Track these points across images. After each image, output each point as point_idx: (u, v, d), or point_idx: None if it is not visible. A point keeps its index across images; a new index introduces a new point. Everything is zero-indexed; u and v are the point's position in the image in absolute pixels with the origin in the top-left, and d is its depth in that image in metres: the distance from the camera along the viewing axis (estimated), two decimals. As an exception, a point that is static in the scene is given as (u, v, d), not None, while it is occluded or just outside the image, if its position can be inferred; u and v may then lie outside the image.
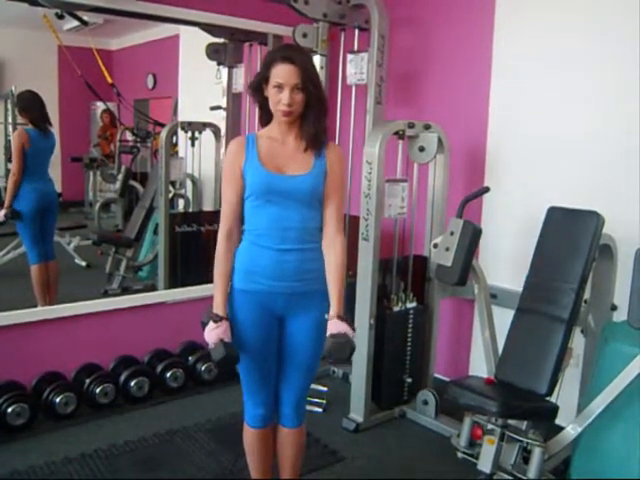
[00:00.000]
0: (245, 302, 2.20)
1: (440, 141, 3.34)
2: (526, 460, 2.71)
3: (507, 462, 2.74)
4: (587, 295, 2.94)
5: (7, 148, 6.26)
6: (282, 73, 2.06)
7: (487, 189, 3.27)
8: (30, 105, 4.16)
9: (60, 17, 4.08)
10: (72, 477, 2.85)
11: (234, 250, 2.21)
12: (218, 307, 2.17)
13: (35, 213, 4.14)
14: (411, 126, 3.29)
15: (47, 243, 4.31)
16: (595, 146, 3.15)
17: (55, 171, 4.32)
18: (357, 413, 3.40)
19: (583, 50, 3.17)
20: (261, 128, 2.27)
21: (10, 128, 6.37)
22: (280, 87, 2.07)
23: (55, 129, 4.30)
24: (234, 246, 2.21)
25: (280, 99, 2.07)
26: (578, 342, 3.00)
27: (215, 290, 2.20)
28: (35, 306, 4.02)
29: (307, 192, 2.15)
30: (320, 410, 3.58)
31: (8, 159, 5.87)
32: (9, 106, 6.37)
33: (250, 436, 2.40)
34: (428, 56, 3.96)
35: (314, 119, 2.15)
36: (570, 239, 2.87)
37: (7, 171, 6.26)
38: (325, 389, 3.69)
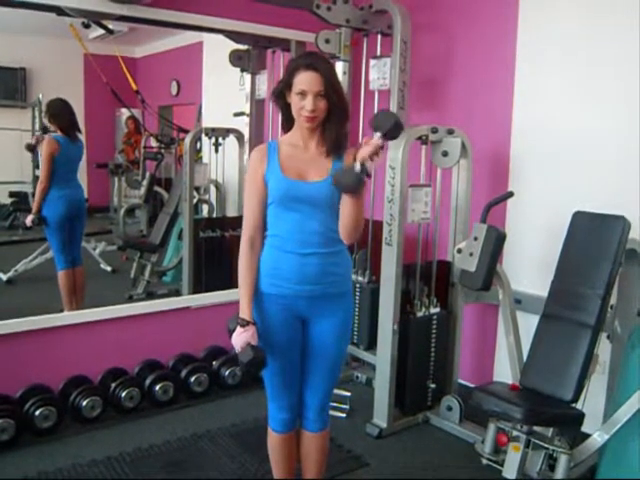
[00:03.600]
0: (269, 305, 2.22)
1: (463, 146, 3.33)
2: (552, 468, 2.70)
3: (532, 469, 2.72)
4: (613, 300, 2.92)
5: (34, 155, 6.35)
6: (305, 80, 2.08)
7: (511, 194, 3.25)
8: (60, 113, 4.22)
9: (86, 26, 4.14)
10: (98, 479, 2.89)
11: (258, 256, 2.22)
12: (244, 312, 2.19)
13: (64, 219, 4.20)
14: (434, 131, 3.29)
15: (75, 249, 4.37)
16: (621, 150, 3.12)
17: (81, 177, 4.38)
18: (380, 419, 3.39)
19: (610, 52, 3.14)
20: (284, 134, 2.29)
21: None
22: (303, 94, 2.09)
23: (82, 136, 4.35)
24: (257, 252, 2.22)
25: (303, 106, 2.10)
26: (604, 348, 2.97)
27: (240, 296, 2.21)
28: (62, 311, 4.09)
29: (327, 198, 2.16)
30: (343, 415, 3.58)
31: (36, 166, 5.97)
32: (36, 114, 6.48)
33: (274, 440, 2.41)
34: (451, 61, 3.95)
35: (336, 125, 2.17)
36: (596, 244, 2.84)
37: (35, 177, 6.37)
38: (348, 394, 3.69)
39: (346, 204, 2.12)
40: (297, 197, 2.15)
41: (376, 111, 1.98)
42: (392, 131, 2.00)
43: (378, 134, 1.99)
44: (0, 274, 5.16)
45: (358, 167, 1.98)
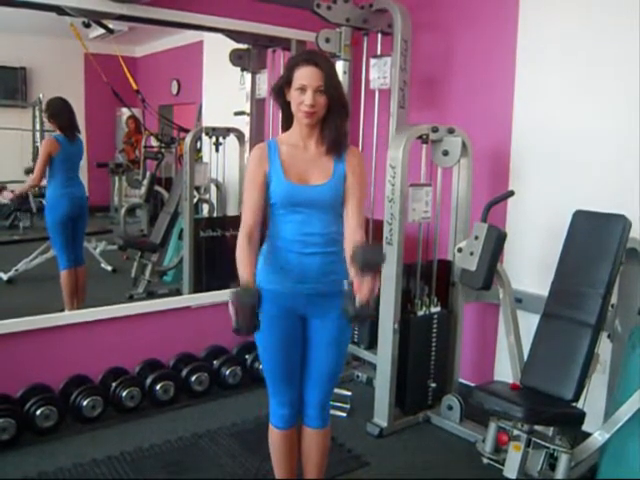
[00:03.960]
0: (268, 302, 2.20)
1: (464, 145, 3.33)
2: (552, 467, 2.70)
3: (533, 468, 2.72)
4: (614, 300, 2.91)
5: (35, 154, 6.36)
6: (305, 75, 2.08)
7: (512, 193, 3.25)
8: (60, 112, 4.22)
9: (87, 26, 4.14)
10: (99, 479, 2.88)
11: (255, 250, 2.21)
12: (246, 281, 2.11)
13: (67, 219, 4.20)
14: (435, 130, 3.28)
15: (77, 248, 4.37)
16: (621, 149, 3.12)
17: (82, 177, 4.39)
18: (381, 418, 3.39)
19: (611, 52, 3.14)
20: (283, 132, 2.28)
21: (38, 135, 6.49)
22: (303, 89, 2.08)
23: (81, 135, 4.36)
24: (255, 246, 2.21)
25: (303, 100, 2.09)
26: (605, 347, 2.97)
27: (241, 271, 2.14)
28: (62, 310, 4.09)
29: (329, 200, 2.18)
30: (344, 415, 3.58)
31: (37, 164, 5.95)
32: (37, 113, 6.49)
33: (275, 436, 2.41)
34: (451, 60, 3.95)
35: (335, 123, 2.16)
36: (596, 243, 2.84)
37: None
38: (349, 393, 3.69)
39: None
40: (299, 200, 2.15)
41: (355, 246, 2.01)
42: (377, 268, 2.02)
43: (366, 275, 1.97)
44: (1, 274, 5.17)
45: (360, 303, 1.96)
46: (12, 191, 4.45)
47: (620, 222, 2.78)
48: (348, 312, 2.00)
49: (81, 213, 4.34)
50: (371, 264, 1.98)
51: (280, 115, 2.27)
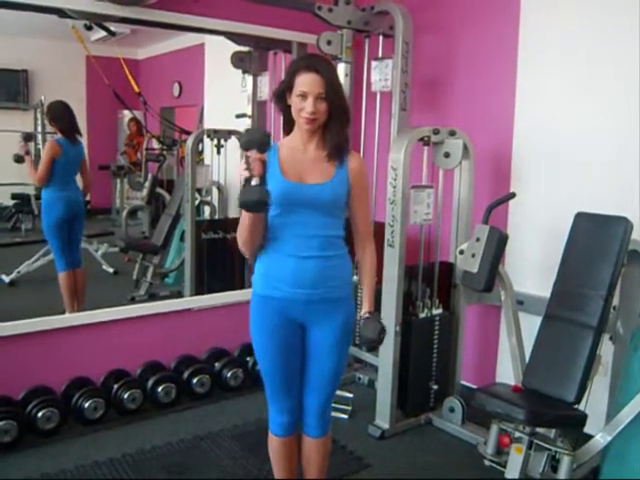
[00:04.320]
0: (266, 308, 2.21)
1: (465, 147, 3.33)
2: (554, 469, 2.69)
3: (535, 470, 2.72)
4: (616, 302, 2.91)
5: (37, 156, 6.37)
6: (306, 82, 2.07)
7: (513, 195, 3.25)
8: (60, 115, 4.23)
9: (88, 28, 4.15)
10: (101, 481, 2.89)
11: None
12: None
13: (63, 221, 4.21)
14: (436, 132, 3.29)
15: (74, 251, 4.37)
16: (623, 151, 3.12)
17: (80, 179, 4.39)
18: (383, 420, 3.39)
19: (612, 52, 3.13)
20: (285, 136, 2.28)
21: (39, 137, 6.50)
22: (304, 96, 2.08)
23: (83, 137, 4.37)
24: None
25: (303, 107, 2.08)
26: (607, 349, 2.96)
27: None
28: (63, 313, 4.09)
29: (327, 201, 2.15)
30: (346, 417, 3.58)
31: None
32: (38, 116, 6.50)
33: (274, 444, 2.40)
34: (453, 62, 3.95)
35: (337, 129, 2.16)
36: (598, 245, 2.84)
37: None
38: (351, 395, 3.69)
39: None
40: (297, 200, 2.13)
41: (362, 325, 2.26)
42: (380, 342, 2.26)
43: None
44: (2, 276, 5.17)
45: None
46: (28, 152, 4.44)
47: (622, 224, 2.78)
48: (362, 341, 2.22)
49: (77, 216, 4.34)
50: (370, 342, 2.22)
51: (282, 118, 2.27)
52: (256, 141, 1.98)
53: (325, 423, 2.39)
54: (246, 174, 1.95)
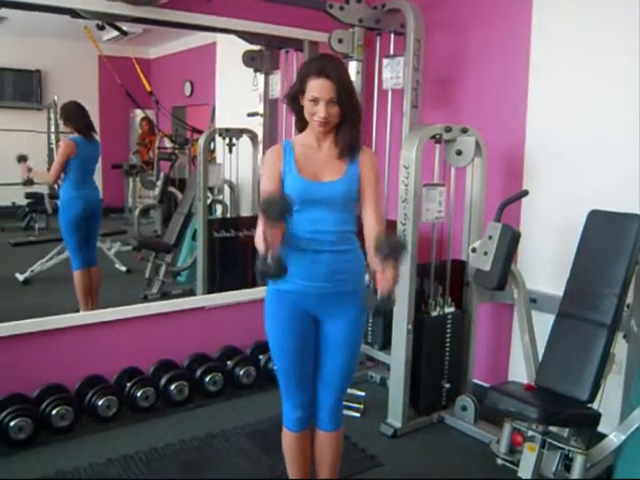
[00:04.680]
0: (280, 302, 2.24)
1: (477, 144, 3.32)
2: (568, 468, 2.68)
3: (548, 470, 2.71)
4: (630, 299, 2.89)
5: (50, 156, 6.41)
6: (317, 87, 2.10)
7: (526, 192, 3.23)
8: (74, 115, 4.26)
9: (101, 28, 4.18)
10: (114, 478, 2.90)
11: None
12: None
13: (80, 220, 4.24)
14: (448, 130, 3.28)
15: (90, 249, 4.41)
16: (637, 148, 3.09)
17: (96, 178, 4.42)
18: (395, 418, 3.39)
19: (627, 49, 3.10)
20: (297, 134, 2.31)
21: (52, 137, 6.54)
22: (316, 101, 2.11)
23: (97, 136, 4.39)
24: None
25: (316, 112, 2.13)
26: (621, 347, 2.94)
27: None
28: (77, 311, 4.12)
29: (341, 197, 2.19)
30: (358, 415, 3.58)
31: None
32: (51, 115, 6.54)
33: (288, 439, 2.42)
34: (464, 59, 3.94)
35: (349, 129, 2.20)
36: (612, 243, 2.82)
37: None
38: (363, 394, 3.68)
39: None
40: (313, 197, 2.17)
41: (378, 235, 2.06)
42: (400, 255, 2.02)
43: (390, 263, 1.97)
44: (17, 274, 5.21)
45: (384, 296, 2.00)
46: (30, 169, 4.50)
47: (635, 221, 2.76)
48: (369, 304, 2.09)
49: (94, 215, 4.37)
50: (395, 251, 2.00)
51: (294, 117, 2.29)
52: (276, 214, 1.94)
53: (338, 417, 2.41)
54: (262, 248, 1.96)
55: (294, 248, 2.20)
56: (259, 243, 2.00)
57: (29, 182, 4.49)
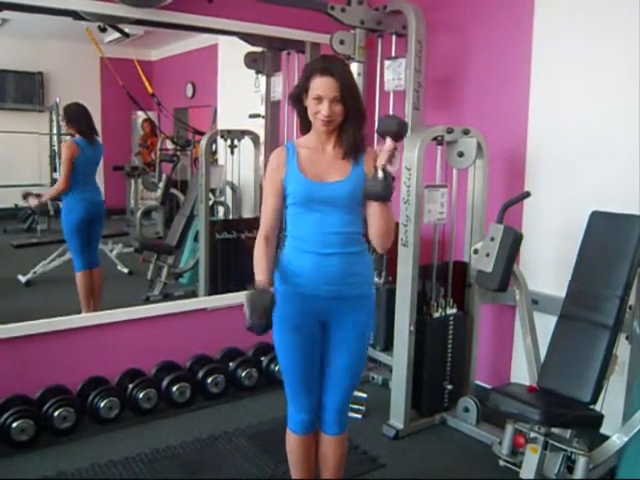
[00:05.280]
0: (288, 305, 2.22)
1: (479, 146, 3.32)
2: (570, 469, 2.67)
3: (551, 471, 2.70)
4: (632, 301, 2.88)
5: (52, 158, 6.43)
6: (321, 86, 2.10)
7: (528, 194, 3.23)
8: (77, 117, 4.26)
9: (102, 30, 4.19)
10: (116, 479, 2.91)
11: (272, 249, 2.23)
12: (261, 281, 2.13)
13: (83, 222, 4.24)
14: (450, 131, 3.28)
15: (92, 251, 4.41)
16: (638, 148, 3.09)
17: (98, 180, 4.42)
18: (397, 420, 3.39)
19: (630, 49, 3.10)
20: (301, 136, 2.31)
21: (55, 138, 6.56)
22: (319, 99, 2.11)
23: (99, 138, 4.39)
24: (272, 246, 2.23)
25: (319, 110, 2.12)
26: (623, 349, 2.94)
27: (257, 273, 2.17)
28: (79, 312, 4.12)
29: (346, 197, 2.18)
30: (360, 416, 3.57)
31: (54, 169, 6.03)
32: (54, 117, 6.56)
33: (293, 442, 2.41)
34: (466, 60, 3.94)
35: (352, 129, 2.19)
36: (614, 244, 2.82)
37: (53, 180, 6.43)
38: (365, 395, 3.68)
39: (376, 213, 2.15)
40: (318, 198, 2.17)
41: (381, 117, 2.10)
42: (399, 131, 2.09)
43: (388, 138, 2.05)
44: (19, 276, 5.22)
45: (381, 174, 2.05)
46: (37, 196, 4.52)
47: (638, 223, 2.76)
48: (370, 188, 2.09)
49: (97, 217, 4.38)
50: (390, 126, 2.08)
51: (297, 118, 2.30)
52: (257, 327, 2.02)
53: (343, 421, 2.41)
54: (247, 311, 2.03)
55: (301, 250, 2.20)
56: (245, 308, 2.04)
57: (43, 206, 4.52)
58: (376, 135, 2.15)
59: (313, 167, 2.19)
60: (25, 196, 4.57)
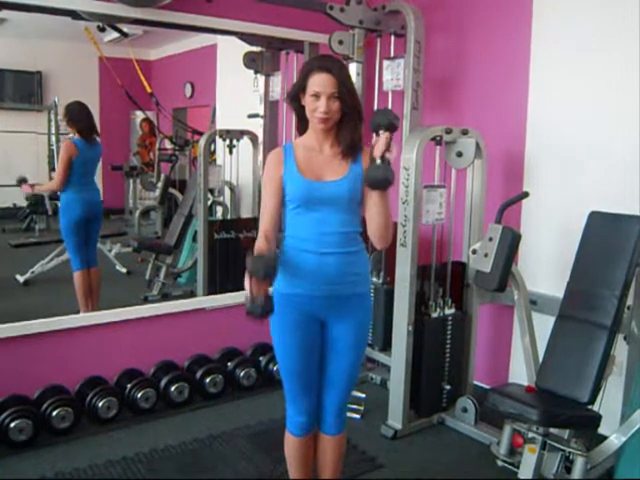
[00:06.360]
0: (287, 305, 2.22)
1: (478, 146, 3.32)
2: (568, 470, 2.68)
3: (549, 471, 2.71)
4: (630, 301, 2.89)
5: (50, 157, 6.41)
6: (319, 82, 2.10)
7: (526, 194, 3.24)
8: (78, 116, 4.24)
9: (101, 29, 4.17)
10: (114, 479, 2.91)
11: (272, 248, 2.21)
12: (260, 249, 2.12)
13: (81, 222, 4.23)
14: (448, 131, 3.28)
15: (90, 250, 4.40)
16: (637, 150, 3.09)
17: (96, 179, 4.42)
18: (395, 420, 3.39)
19: (629, 50, 3.11)
20: (298, 136, 2.31)
21: (53, 138, 6.54)
22: (317, 96, 2.11)
23: (99, 138, 4.39)
24: (271, 246, 2.22)
25: (317, 107, 2.12)
26: (621, 349, 2.94)
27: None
28: (78, 312, 4.12)
29: (345, 196, 2.18)
30: (358, 417, 3.58)
31: (52, 169, 6.01)
32: (52, 117, 6.54)
33: (291, 443, 2.41)
34: (465, 61, 3.94)
35: (350, 127, 2.19)
36: (612, 244, 2.82)
37: (51, 180, 6.39)
38: (363, 395, 3.68)
39: (376, 204, 2.14)
40: (317, 197, 2.17)
41: (373, 112, 2.10)
42: (391, 122, 2.10)
43: (382, 131, 2.07)
44: (17, 276, 5.21)
45: (379, 162, 2.05)
46: (32, 185, 4.52)
47: (636, 223, 2.76)
48: (369, 176, 2.08)
49: (95, 217, 4.37)
50: (383, 120, 2.09)
51: (295, 118, 2.29)
52: (261, 272, 2.01)
53: (342, 421, 2.41)
54: (248, 294, 2.03)
55: (300, 250, 2.20)
56: (246, 285, 2.02)
57: (33, 198, 4.53)
58: (373, 135, 2.15)
59: (311, 166, 2.19)
60: (20, 182, 4.57)
